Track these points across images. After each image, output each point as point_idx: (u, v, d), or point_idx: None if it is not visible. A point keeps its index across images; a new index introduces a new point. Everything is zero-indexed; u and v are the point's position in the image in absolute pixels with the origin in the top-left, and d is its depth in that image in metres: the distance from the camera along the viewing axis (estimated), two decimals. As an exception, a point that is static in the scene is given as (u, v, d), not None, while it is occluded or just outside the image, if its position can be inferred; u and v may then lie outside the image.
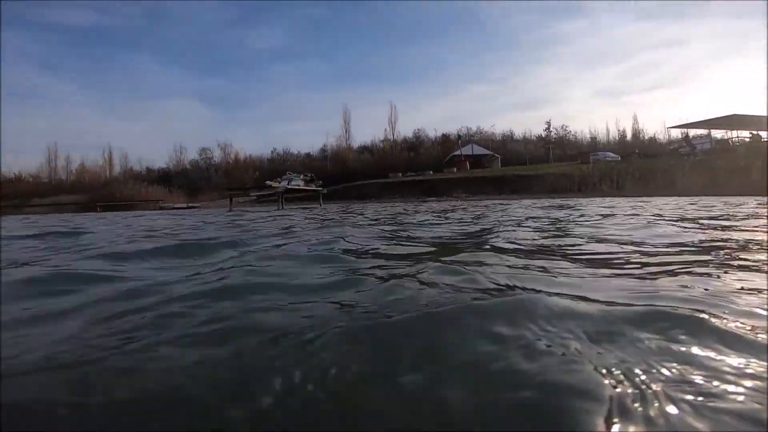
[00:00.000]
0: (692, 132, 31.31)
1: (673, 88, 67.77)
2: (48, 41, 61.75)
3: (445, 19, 70.47)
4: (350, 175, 37.57)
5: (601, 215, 5.62)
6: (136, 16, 65.02)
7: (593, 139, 48.34)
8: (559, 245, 2.70)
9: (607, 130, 50.19)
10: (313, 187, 22.84)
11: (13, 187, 45.44)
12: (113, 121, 66.51)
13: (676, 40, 69.38)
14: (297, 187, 21.48)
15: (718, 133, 29.22)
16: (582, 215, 5.81)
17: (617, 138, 48.47)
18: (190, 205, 30.11)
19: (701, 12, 60.34)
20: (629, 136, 48.35)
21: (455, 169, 35.06)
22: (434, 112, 71.22)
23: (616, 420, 0.60)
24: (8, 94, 61.93)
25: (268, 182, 21.12)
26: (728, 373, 0.74)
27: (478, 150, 40.62)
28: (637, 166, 25.96)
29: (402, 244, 2.96)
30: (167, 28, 66.47)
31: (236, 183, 36.49)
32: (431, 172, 34.22)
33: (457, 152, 39.56)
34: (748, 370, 0.75)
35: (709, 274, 1.62)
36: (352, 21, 70.08)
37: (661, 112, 77.72)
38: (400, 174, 35.40)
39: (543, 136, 46.76)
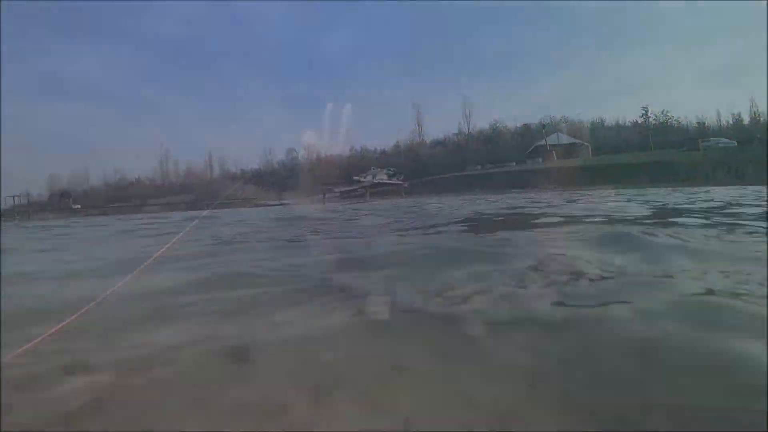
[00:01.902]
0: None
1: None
2: (147, 53, 70.19)
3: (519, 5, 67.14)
4: (425, 170, 37.68)
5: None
6: (220, 25, 71.38)
7: (700, 124, 43.08)
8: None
9: (718, 115, 44.41)
10: (396, 181, 23.55)
11: (133, 189, 53.22)
12: (210, 126, 73.91)
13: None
14: (382, 182, 22.32)
15: None
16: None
17: (731, 123, 42.77)
18: (282, 202, 32.48)
19: None
20: (746, 120, 42.37)
21: (540, 160, 33.49)
22: (511, 103, 68.54)
23: None
24: (125, 105, 71.72)
25: (356, 177, 22.28)
26: None
27: (565, 139, 38.33)
28: (760, 152, 22.72)
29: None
30: (249, 37, 72.06)
31: (322, 180, 38.54)
32: (514, 164, 33.05)
33: (542, 142, 37.68)
34: None
35: None
36: (420, 16, 69.82)
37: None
38: (479, 166, 34.66)
39: (639, 122, 42.76)
